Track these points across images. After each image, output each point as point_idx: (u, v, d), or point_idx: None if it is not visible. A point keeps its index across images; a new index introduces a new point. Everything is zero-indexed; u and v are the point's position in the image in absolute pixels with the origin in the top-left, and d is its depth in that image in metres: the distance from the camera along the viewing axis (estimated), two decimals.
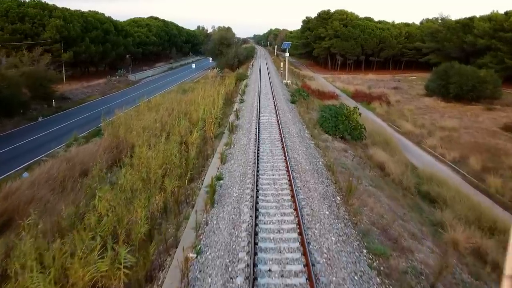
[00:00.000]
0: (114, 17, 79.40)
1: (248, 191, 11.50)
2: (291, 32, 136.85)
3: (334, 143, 19.62)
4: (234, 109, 26.24)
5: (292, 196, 10.97)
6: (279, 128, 19.14)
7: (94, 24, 57.71)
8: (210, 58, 79.81)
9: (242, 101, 29.74)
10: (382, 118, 36.31)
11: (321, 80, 68.49)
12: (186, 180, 12.50)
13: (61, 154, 20.54)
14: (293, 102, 29.07)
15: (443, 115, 36.96)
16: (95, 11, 66.74)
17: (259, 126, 19.55)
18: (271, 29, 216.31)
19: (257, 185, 11.77)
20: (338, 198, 11.59)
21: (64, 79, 48.35)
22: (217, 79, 43.54)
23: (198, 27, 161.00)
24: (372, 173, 17.84)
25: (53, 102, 35.69)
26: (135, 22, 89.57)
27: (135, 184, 12.33)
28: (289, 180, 12.22)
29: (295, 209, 10.16)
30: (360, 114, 22.27)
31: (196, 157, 16.03)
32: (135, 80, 62.29)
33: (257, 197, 10.97)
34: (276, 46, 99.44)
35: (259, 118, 21.68)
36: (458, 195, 17.18)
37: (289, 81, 43.22)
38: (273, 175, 12.80)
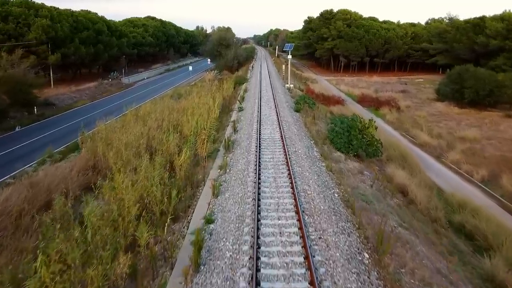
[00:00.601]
0: (114, 18, 76.71)
1: (246, 247, 8.56)
2: (292, 33, 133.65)
3: (347, 164, 16.75)
4: (232, 119, 23.36)
5: (307, 258, 8.05)
6: (284, 146, 16.19)
7: (85, 24, 54.56)
8: (209, 60, 76.71)
9: (241, 109, 26.83)
10: (394, 126, 33.36)
11: (324, 82, 65.54)
12: (166, 228, 9.56)
13: (30, 174, 17.57)
14: (297, 110, 26.13)
15: (460, 123, 34.01)
16: (87, 10, 63.55)
17: (260, 144, 16.61)
18: (271, 29, 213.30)
19: (258, 237, 8.86)
20: (366, 255, 8.68)
21: (52, 82, 45.37)
22: (214, 83, 40.53)
23: (197, 27, 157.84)
24: (395, 202, 14.99)
25: (35, 109, 32.68)
26: (131, 22, 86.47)
27: (99, 231, 9.40)
28: (300, 228, 9.31)
29: (312, 283, 7.24)
30: (376, 128, 19.36)
31: (184, 186, 13.16)
32: (128, 83, 59.24)
33: (257, 258, 8.06)
34: (277, 47, 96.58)
35: (260, 132, 18.77)
36: (500, 229, 14.28)
37: (291, 85, 40.23)
38: (278, 220, 9.87)
